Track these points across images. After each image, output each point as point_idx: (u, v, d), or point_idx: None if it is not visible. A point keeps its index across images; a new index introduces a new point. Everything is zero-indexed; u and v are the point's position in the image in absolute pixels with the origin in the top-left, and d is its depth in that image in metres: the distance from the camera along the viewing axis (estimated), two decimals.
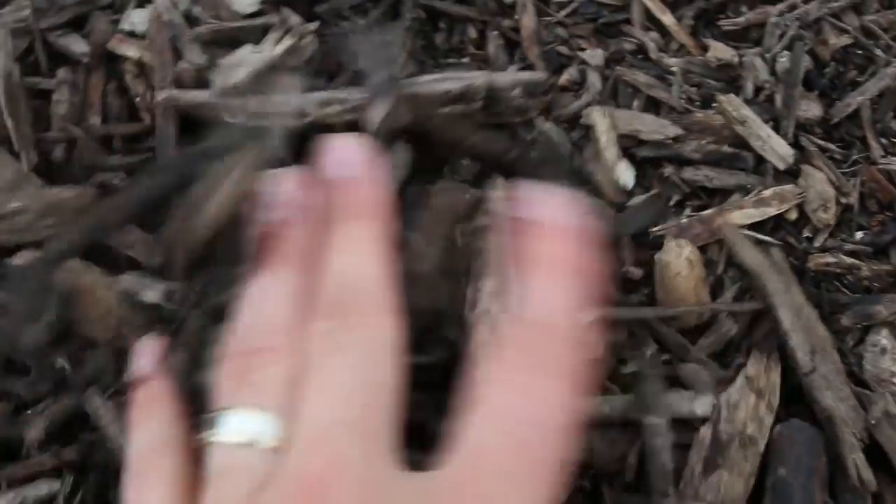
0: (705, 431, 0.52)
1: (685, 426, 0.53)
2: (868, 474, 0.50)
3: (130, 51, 0.67)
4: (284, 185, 0.51)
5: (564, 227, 0.48)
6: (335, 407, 0.41)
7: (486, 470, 0.40)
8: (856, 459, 0.51)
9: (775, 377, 0.54)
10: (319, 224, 0.50)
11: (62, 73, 0.67)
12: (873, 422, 0.52)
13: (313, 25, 0.67)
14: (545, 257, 0.47)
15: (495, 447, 0.40)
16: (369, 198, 0.50)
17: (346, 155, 0.52)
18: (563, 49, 0.70)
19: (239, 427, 0.42)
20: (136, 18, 0.68)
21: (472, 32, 0.71)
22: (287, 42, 0.64)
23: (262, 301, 0.48)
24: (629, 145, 0.64)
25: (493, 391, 0.42)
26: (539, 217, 0.48)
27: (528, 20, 0.70)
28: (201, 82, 0.65)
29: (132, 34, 0.68)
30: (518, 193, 0.49)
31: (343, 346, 0.43)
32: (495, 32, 0.71)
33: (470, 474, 0.40)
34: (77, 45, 0.67)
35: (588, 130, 0.65)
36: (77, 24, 0.69)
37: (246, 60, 0.63)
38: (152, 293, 0.55)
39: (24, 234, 0.59)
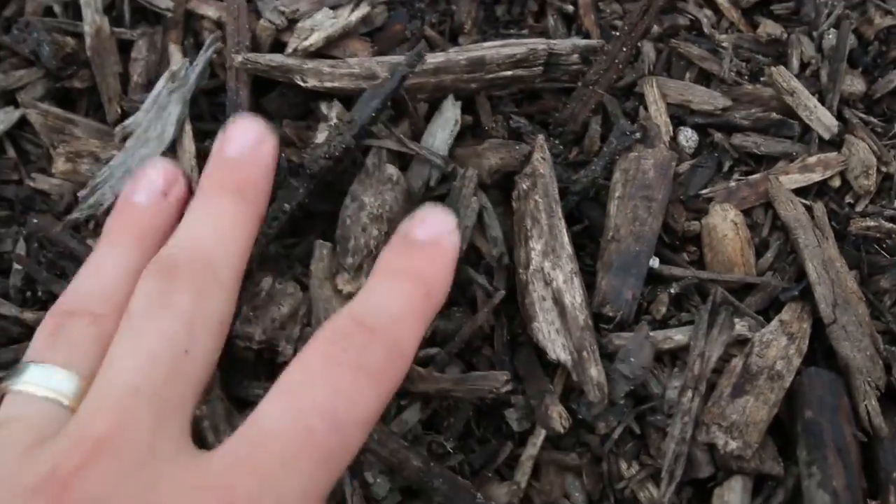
0: (737, 362, 0.58)
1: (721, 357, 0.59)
2: (879, 420, 0.56)
3: (210, 11, 0.72)
4: (150, 170, 0.57)
5: (424, 242, 0.53)
6: (135, 372, 0.44)
7: (258, 454, 0.42)
8: (867, 406, 0.57)
9: (807, 326, 0.61)
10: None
11: (142, 29, 0.72)
12: None
13: None
14: (394, 267, 0.52)
15: (281, 430, 0.42)
16: (243, 178, 0.54)
17: (236, 134, 0.56)
18: (619, 23, 0.74)
19: (40, 380, 0.46)
20: None
21: (533, 5, 0.76)
22: (362, 10, 0.70)
23: (97, 269, 0.52)
24: (680, 114, 0.69)
25: (297, 378, 0.45)
26: (411, 232, 0.53)
27: None
28: (277, 43, 0.70)
29: None
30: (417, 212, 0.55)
31: (161, 310, 0.46)
32: (554, 4, 0.75)
33: (240, 457, 0.42)
34: (161, 1, 0.74)
35: (641, 99, 0.70)
36: None
37: (321, 25, 0.69)
38: None
39: None
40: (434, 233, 0.53)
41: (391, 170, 0.63)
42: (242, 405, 0.56)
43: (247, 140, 0.55)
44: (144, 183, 0.56)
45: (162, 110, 0.64)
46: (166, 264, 0.49)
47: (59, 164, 0.64)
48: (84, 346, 0.47)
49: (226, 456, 0.42)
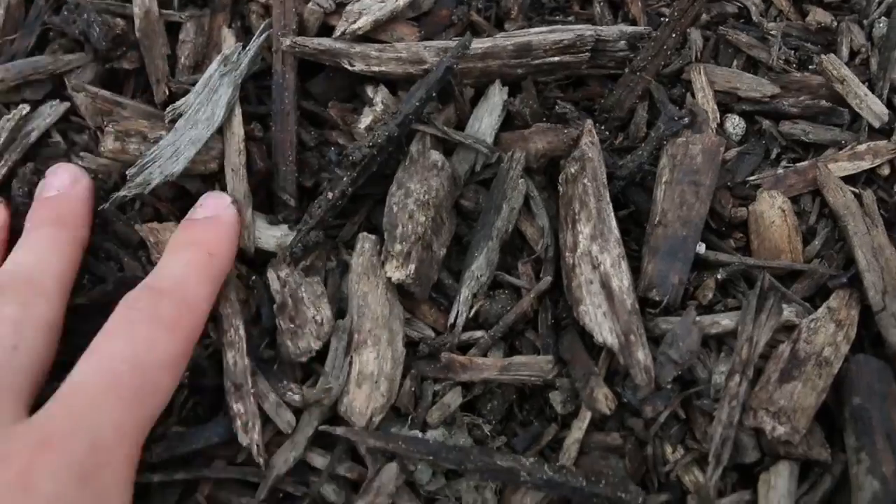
0: (784, 347, 0.59)
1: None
2: None
3: None
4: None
5: (203, 219, 0.62)
6: None
7: (78, 402, 0.49)
8: None
9: (854, 313, 0.61)
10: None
11: (189, 12, 0.73)
12: None
13: None
14: (175, 242, 0.61)
15: (90, 382, 0.50)
16: (62, 211, 0.63)
17: (53, 179, 0.65)
18: (666, 10, 0.75)
19: None
20: None
21: None
22: None
23: None
24: (727, 101, 0.70)
25: (102, 339, 0.53)
26: (192, 215, 0.62)
27: None
28: (324, 27, 0.71)
29: None
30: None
31: None
32: None
33: (55, 408, 0.49)
34: None
35: (688, 86, 0.70)
36: None
37: (370, 9, 0.70)
38: None
39: None
40: (211, 210, 0.62)
41: (436, 156, 0.64)
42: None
43: (63, 181, 0.64)
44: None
45: (213, 93, 0.65)
46: None
47: (109, 143, 0.65)
48: None
49: (44, 410, 0.49)
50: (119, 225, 0.65)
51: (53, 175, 0.64)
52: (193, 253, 0.59)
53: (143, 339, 0.52)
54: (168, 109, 0.66)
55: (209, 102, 0.65)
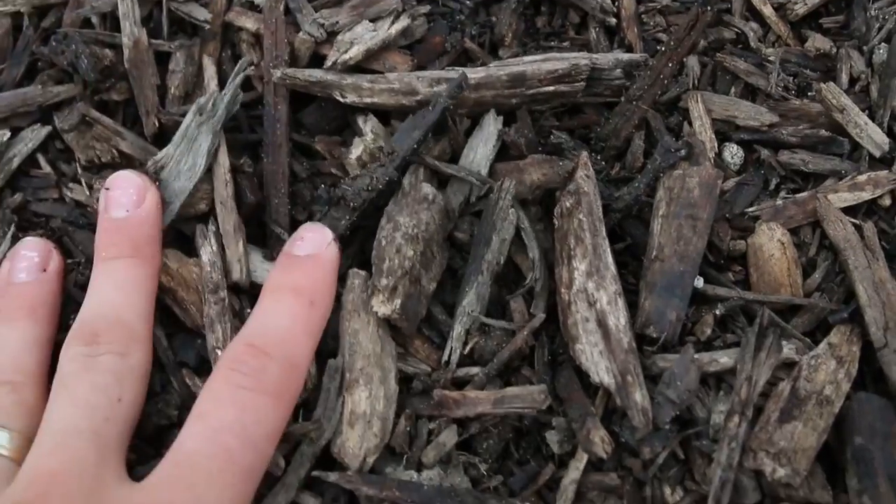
0: (784, 385, 0.58)
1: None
2: None
3: (248, 23, 0.73)
4: (28, 249, 0.62)
5: (303, 257, 0.59)
6: (77, 417, 0.50)
7: (187, 472, 0.49)
8: None
9: (856, 349, 0.60)
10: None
11: (179, 41, 0.73)
12: None
13: (425, 8, 0.72)
14: (277, 284, 0.58)
15: (203, 455, 0.49)
16: (136, 238, 0.60)
17: (118, 194, 0.61)
18: (663, 36, 0.74)
19: None
20: None
21: (574, 17, 0.76)
22: (402, 22, 0.70)
23: (2, 345, 0.57)
24: (725, 130, 0.69)
25: (209, 405, 0.52)
26: (291, 250, 0.60)
27: (628, 2, 0.75)
28: (315, 56, 0.70)
29: (251, 5, 0.73)
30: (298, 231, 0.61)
31: (91, 367, 0.53)
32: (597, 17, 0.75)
33: (173, 476, 0.49)
34: (199, 13, 0.74)
35: (686, 114, 0.70)
36: None
37: (361, 38, 0.69)
38: None
39: None
40: (312, 247, 0.59)
41: (427, 189, 0.63)
42: None
43: (130, 197, 0.60)
44: (23, 262, 0.62)
45: (192, 142, 0.64)
46: (88, 331, 0.55)
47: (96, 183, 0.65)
48: (9, 408, 0.53)
49: (160, 477, 0.49)
50: None
51: (117, 188, 0.61)
52: (295, 302, 0.57)
53: (250, 410, 0.51)
54: (149, 163, 0.64)
55: (189, 152, 0.64)
